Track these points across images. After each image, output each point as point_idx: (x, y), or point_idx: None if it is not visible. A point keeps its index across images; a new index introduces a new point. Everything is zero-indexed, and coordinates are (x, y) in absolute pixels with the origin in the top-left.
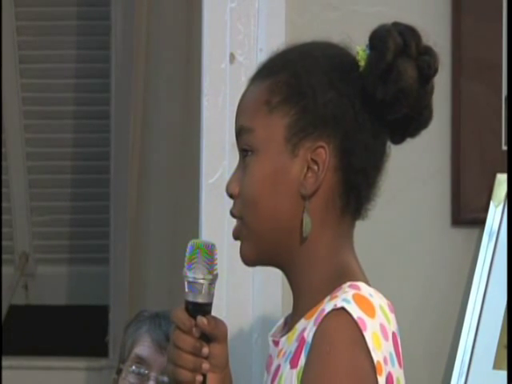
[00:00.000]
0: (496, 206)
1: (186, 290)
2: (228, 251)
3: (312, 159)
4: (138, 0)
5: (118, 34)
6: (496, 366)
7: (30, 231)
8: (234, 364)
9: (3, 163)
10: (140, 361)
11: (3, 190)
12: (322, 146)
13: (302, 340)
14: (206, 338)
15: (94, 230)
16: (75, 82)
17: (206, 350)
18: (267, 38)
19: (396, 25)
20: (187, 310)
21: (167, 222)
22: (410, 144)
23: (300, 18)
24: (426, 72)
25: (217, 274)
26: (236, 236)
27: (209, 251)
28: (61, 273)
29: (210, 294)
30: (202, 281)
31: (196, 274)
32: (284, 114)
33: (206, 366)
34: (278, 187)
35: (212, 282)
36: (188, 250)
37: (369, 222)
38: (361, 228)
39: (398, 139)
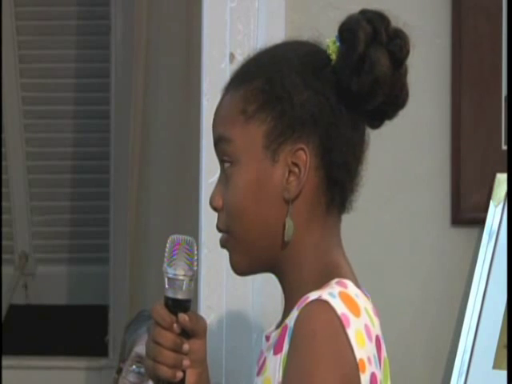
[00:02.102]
0: (496, 206)
1: (166, 286)
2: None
3: (293, 162)
4: (138, 0)
5: (117, 34)
6: (496, 366)
7: (29, 231)
8: (234, 364)
9: (3, 163)
10: (140, 360)
11: (3, 189)
12: (301, 148)
13: (284, 327)
14: (185, 334)
15: (93, 230)
16: (75, 82)
17: (186, 347)
18: (267, 38)
19: (363, 12)
20: (167, 306)
21: (167, 222)
22: (409, 144)
23: (300, 17)
24: (399, 56)
25: (196, 270)
26: (223, 245)
27: (189, 247)
28: (61, 272)
29: (190, 290)
30: (182, 277)
31: (176, 270)
32: (261, 122)
33: (186, 362)
34: (261, 195)
35: (192, 279)
36: (168, 245)
37: (368, 222)
38: (360, 228)
39: (377, 124)
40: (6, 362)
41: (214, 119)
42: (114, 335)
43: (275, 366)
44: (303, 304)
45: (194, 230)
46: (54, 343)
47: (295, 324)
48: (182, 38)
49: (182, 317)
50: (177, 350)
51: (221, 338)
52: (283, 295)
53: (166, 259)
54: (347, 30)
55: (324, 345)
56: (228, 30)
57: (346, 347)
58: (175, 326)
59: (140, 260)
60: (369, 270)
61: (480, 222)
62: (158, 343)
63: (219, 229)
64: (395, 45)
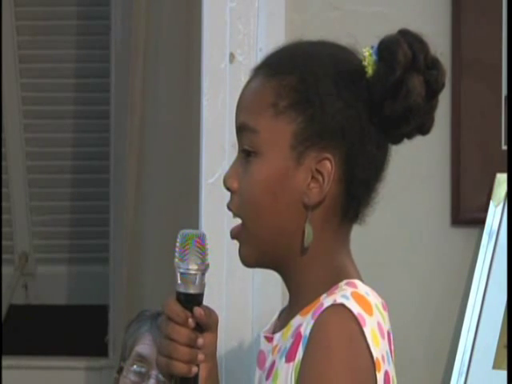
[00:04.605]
0: (496, 206)
1: (179, 281)
2: (228, 251)
3: (317, 170)
4: (138, 0)
5: (117, 34)
6: (496, 366)
7: (29, 231)
8: (234, 364)
9: (3, 163)
10: (141, 359)
11: (3, 189)
12: (327, 158)
13: (298, 335)
14: (199, 328)
15: (93, 230)
16: (75, 82)
17: (201, 341)
18: (267, 38)
19: (404, 34)
20: (179, 301)
21: (167, 222)
22: (410, 144)
23: (300, 17)
24: (434, 87)
25: (208, 264)
26: (234, 236)
27: (200, 241)
28: (60, 272)
29: (202, 285)
30: (194, 271)
31: (189, 264)
32: (291, 120)
33: (201, 356)
34: (279, 193)
35: (204, 272)
36: (179, 240)
37: (369, 222)
38: (361, 228)
39: (396, 142)
40: (5, 362)
41: (240, 102)
42: (114, 335)
43: (287, 374)
44: (318, 312)
45: None
46: (54, 343)
47: (311, 332)
48: (181, 38)
49: (198, 310)
50: (192, 345)
51: (221, 337)
52: (289, 294)
53: (177, 254)
54: (387, 49)
55: (339, 353)
56: (228, 30)
57: (363, 350)
58: (190, 320)
59: (140, 260)
60: (369, 270)
61: (480, 222)
62: (172, 339)
63: (230, 209)
64: (431, 75)
